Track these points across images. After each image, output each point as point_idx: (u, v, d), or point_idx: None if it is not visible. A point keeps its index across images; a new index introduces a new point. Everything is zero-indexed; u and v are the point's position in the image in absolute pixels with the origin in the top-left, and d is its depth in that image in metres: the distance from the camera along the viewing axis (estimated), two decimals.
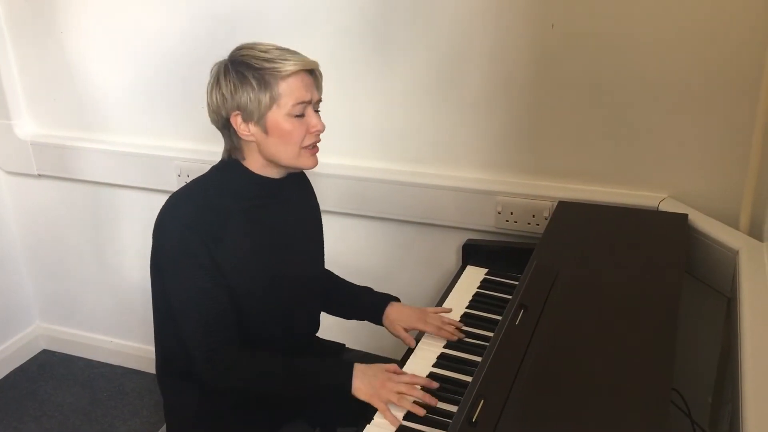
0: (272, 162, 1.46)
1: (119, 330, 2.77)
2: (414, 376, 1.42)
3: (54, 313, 2.87)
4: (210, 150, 2.22)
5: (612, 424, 1.07)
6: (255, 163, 1.46)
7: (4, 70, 2.45)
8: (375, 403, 1.36)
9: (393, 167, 2.07)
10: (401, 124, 2.02)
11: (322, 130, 1.45)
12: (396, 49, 1.94)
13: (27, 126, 2.55)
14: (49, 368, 2.81)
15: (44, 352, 2.91)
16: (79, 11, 2.28)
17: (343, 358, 1.72)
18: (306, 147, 1.44)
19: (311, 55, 1.44)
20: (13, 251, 2.76)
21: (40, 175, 2.58)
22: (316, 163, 1.48)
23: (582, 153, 1.85)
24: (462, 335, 1.59)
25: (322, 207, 1.68)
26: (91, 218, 2.60)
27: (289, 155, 1.43)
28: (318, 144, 1.47)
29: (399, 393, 1.36)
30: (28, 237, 2.75)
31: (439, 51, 1.90)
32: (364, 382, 1.39)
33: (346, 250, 2.21)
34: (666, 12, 1.66)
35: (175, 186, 2.29)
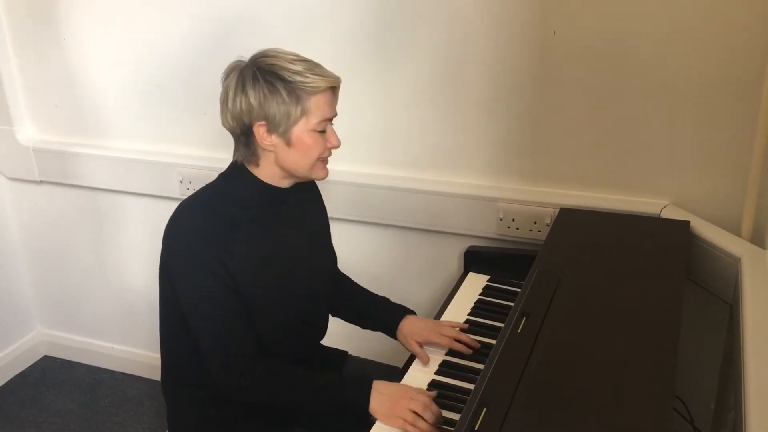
0: (287, 172, 1.47)
1: (121, 336, 2.76)
2: (429, 400, 1.36)
3: (55, 319, 2.86)
4: (212, 156, 2.22)
5: None
6: (267, 172, 1.47)
7: (6, 75, 2.45)
8: (391, 423, 1.34)
9: (394, 173, 2.07)
10: (402, 130, 2.02)
11: (338, 147, 1.47)
12: (397, 55, 1.95)
13: (29, 132, 2.55)
14: (51, 374, 2.81)
15: (45, 358, 2.91)
16: (81, 17, 2.29)
17: (361, 375, 1.70)
18: (320, 159, 1.47)
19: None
20: (14, 257, 2.76)
21: (41, 181, 2.58)
22: (327, 174, 1.51)
23: (583, 159, 1.85)
24: (476, 345, 1.56)
25: None
26: (92, 224, 2.60)
27: (306, 167, 1.45)
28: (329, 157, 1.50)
29: (413, 411, 1.32)
30: (29, 243, 2.75)
31: (441, 57, 1.90)
32: (379, 401, 1.36)
33: (347, 256, 2.19)
34: (667, 20, 1.66)
35: (176, 192, 2.29)
